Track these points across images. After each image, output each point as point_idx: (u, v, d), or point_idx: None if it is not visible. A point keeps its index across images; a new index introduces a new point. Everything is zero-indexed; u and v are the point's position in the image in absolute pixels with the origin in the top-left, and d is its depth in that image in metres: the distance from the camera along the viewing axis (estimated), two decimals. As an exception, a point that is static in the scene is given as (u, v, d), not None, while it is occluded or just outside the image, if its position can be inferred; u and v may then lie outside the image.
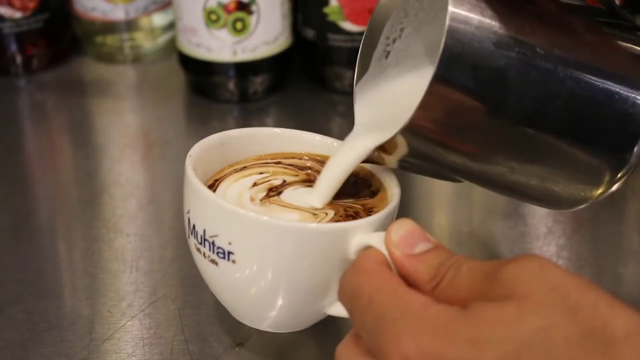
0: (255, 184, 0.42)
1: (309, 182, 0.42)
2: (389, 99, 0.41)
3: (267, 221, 0.36)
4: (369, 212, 0.40)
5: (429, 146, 0.36)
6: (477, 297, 0.29)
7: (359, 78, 0.42)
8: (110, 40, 0.79)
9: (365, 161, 0.39)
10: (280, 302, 0.38)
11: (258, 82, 0.71)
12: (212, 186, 0.42)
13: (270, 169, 0.43)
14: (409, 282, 0.32)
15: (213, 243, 0.38)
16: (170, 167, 0.63)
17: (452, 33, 0.33)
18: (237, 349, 0.43)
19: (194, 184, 0.38)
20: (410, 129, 0.35)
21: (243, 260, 0.37)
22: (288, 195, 0.41)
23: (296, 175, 0.43)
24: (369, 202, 0.41)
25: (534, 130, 0.36)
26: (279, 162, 0.44)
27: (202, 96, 0.72)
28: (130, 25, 0.79)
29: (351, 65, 0.71)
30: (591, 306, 0.27)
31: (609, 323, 0.26)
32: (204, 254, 0.39)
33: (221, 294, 0.41)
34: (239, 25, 0.68)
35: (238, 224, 0.37)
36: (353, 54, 0.75)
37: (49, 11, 0.76)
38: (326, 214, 0.40)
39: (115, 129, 0.70)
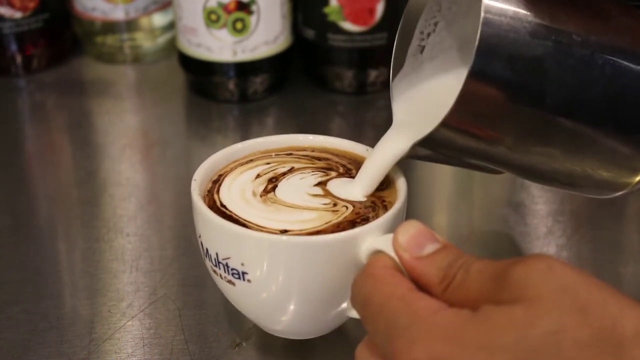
0: (258, 176, 0.42)
1: (329, 170, 0.42)
2: (426, 94, 0.41)
3: (274, 239, 0.36)
4: (383, 202, 0.40)
5: (468, 139, 0.36)
6: (487, 300, 0.29)
7: (395, 74, 0.42)
8: (110, 40, 0.79)
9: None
10: (300, 311, 0.39)
11: (258, 82, 0.71)
12: (217, 181, 0.41)
13: (279, 159, 0.43)
14: (420, 284, 0.32)
15: (227, 265, 0.38)
16: (170, 167, 0.63)
17: (487, 25, 0.33)
18: (237, 349, 0.43)
19: (201, 210, 0.38)
20: (447, 124, 0.34)
21: (258, 279, 0.37)
22: (295, 183, 0.41)
23: (312, 164, 0.43)
24: (384, 194, 0.41)
25: (573, 118, 0.35)
26: (290, 154, 0.44)
27: (202, 96, 0.72)
28: (130, 25, 0.79)
29: (351, 65, 0.72)
30: (600, 306, 0.27)
31: (618, 323, 0.26)
32: (221, 276, 0.39)
33: (244, 309, 0.41)
34: (239, 25, 0.67)
35: (247, 245, 0.37)
36: (353, 54, 0.75)
37: (49, 11, 0.76)
38: (346, 207, 0.39)
39: (115, 129, 0.70)
